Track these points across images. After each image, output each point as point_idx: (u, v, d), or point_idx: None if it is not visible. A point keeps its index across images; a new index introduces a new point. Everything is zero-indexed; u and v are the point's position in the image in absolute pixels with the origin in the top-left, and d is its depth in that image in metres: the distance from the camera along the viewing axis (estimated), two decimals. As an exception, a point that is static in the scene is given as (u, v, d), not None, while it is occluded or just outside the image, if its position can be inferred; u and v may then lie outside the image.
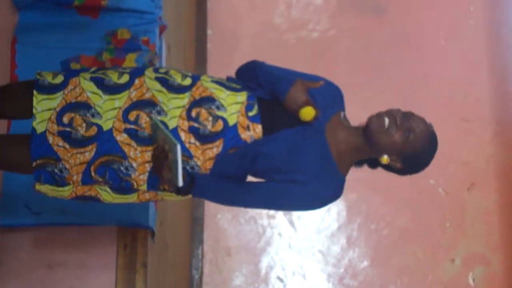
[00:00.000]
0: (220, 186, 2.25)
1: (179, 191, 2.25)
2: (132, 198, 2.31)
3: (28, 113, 2.28)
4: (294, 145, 2.24)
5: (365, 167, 2.40)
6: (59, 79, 2.28)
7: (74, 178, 2.25)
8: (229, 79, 2.36)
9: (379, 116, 2.24)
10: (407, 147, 2.24)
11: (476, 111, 4.72)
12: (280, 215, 4.51)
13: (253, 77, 2.31)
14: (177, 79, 2.28)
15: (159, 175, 2.20)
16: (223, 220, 4.46)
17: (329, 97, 2.32)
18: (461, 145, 4.61)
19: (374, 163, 2.35)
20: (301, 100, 2.22)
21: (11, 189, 3.00)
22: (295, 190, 2.24)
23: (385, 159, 2.27)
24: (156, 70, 2.31)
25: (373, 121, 2.24)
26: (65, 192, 2.29)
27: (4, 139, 2.49)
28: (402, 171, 2.32)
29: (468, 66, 4.78)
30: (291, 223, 4.52)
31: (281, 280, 4.48)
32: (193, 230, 4.40)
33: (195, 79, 2.30)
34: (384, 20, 4.80)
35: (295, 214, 4.51)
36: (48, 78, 2.28)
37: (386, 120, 2.22)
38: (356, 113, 2.40)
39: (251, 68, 2.34)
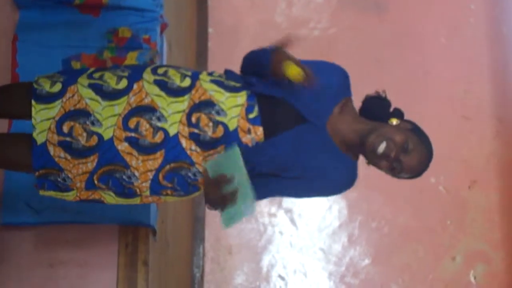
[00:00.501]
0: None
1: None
2: (135, 201, 2.32)
3: (29, 114, 2.27)
4: (296, 146, 2.24)
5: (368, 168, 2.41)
6: (57, 87, 2.26)
7: (78, 185, 2.26)
8: (228, 74, 2.32)
9: (379, 139, 2.23)
10: (390, 173, 2.27)
11: (477, 109, 4.72)
12: (281, 213, 4.51)
13: (248, 69, 2.30)
14: (176, 80, 2.25)
15: (215, 200, 2.15)
16: (224, 218, 4.45)
17: (331, 89, 2.29)
18: (461, 143, 4.60)
19: None
20: (284, 58, 2.15)
21: (12, 187, 2.99)
22: (307, 184, 2.26)
23: (369, 163, 2.30)
24: (154, 71, 2.28)
25: (370, 141, 2.23)
26: (70, 196, 2.30)
27: (5, 137, 2.49)
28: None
29: (469, 64, 4.78)
30: (292, 221, 4.52)
31: (282, 278, 4.47)
32: (194, 228, 4.40)
33: (194, 78, 2.26)
34: (385, 18, 4.80)
35: (296, 213, 4.51)
36: (46, 87, 2.26)
37: (383, 146, 2.21)
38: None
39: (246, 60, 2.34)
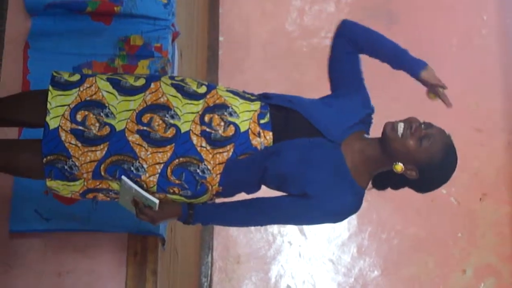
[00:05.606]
0: (226, 209, 2.30)
1: (184, 221, 2.33)
2: None
3: (41, 122, 2.28)
4: (306, 155, 2.24)
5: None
6: (76, 77, 2.31)
7: (84, 176, 2.26)
8: (244, 92, 2.39)
9: (395, 122, 2.25)
10: (421, 154, 2.22)
11: (488, 121, 4.70)
12: (290, 223, 4.50)
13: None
14: (193, 86, 2.31)
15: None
16: (233, 228, 4.44)
17: (355, 116, 2.34)
18: (473, 155, 4.58)
19: (396, 184, 2.34)
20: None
21: (21, 194, 2.99)
22: (307, 205, 2.24)
23: (399, 166, 2.25)
24: (172, 77, 2.35)
25: (388, 127, 2.25)
26: (76, 186, 2.29)
27: (14, 144, 2.51)
28: (420, 185, 2.31)
29: (480, 75, 4.76)
30: (302, 231, 4.50)
31: (291, 289, 4.46)
32: (203, 238, 4.40)
33: (211, 88, 2.33)
34: (396, 28, 4.78)
35: (306, 223, 4.50)
36: (65, 76, 2.31)
37: (401, 126, 2.23)
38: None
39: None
